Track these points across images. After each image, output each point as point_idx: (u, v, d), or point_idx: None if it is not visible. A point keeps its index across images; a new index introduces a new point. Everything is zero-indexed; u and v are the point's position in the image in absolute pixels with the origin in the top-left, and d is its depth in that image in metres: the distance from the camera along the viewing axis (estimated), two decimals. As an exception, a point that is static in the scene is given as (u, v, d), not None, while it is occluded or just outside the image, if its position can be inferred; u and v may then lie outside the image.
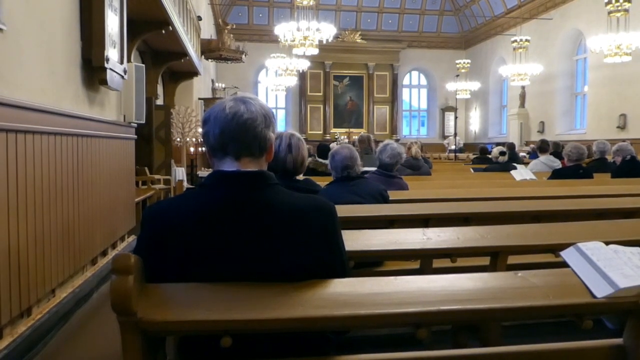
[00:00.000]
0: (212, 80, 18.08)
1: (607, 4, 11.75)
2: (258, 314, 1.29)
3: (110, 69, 4.48)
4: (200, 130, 8.37)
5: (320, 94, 22.87)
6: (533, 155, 10.39)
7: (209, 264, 1.39)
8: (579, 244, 1.57)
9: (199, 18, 11.62)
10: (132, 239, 5.82)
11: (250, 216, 1.41)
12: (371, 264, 2.95)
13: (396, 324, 1.45)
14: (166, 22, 6.92)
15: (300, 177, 3.05)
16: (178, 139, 10.42)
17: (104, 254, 4.82)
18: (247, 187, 1.43)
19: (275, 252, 1.41)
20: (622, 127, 13.84)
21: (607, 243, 1.57)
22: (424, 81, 24.83)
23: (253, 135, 1.45)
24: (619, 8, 11.63)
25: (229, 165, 1.46)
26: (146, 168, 8.61)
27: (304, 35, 12.62)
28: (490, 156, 8.71)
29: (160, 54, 9.08)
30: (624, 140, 7.66)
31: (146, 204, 7.14)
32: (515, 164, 7.36)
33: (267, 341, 1.40)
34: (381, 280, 1.46)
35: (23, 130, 3.00)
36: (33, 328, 3.11)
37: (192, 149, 11.61)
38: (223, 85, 18.18)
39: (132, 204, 6.06)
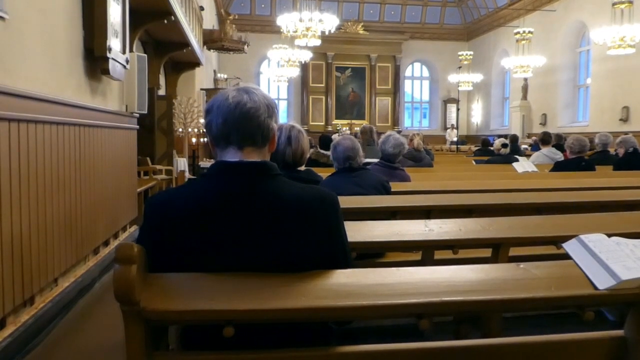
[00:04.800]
0: (214, 71, 18.03)
1: (611, -5, 11.69)
2: (261, 304, 1.29)
3: (113, 58, 4.47)
4: (202, 120, 8.37)
5: (323, 85, 22.79)
6: (535, 147, 10.37)
7: (211, 255, 1.39)
8: (581, 236, 1.57)
9: (201, 8, 11.55)
10: (134, 229, 5.83)
11: (253, 207, 1.41)
12: (373, 255, 2.95)
13: (398, 315, 1.45)
14: (168, 12, 6.89)
15: (302, 168, 3.04)
16: (180, 130, 10.41)
17: (106, 243, 4.84)
18: (250, 177, 1.43)
19: (278, 243, 1.41)
20: (625, 119, 13.78)
21: (609, 235, 1.57)
22: (426, 73, 24.72)
23: (256, 124, 1.45)
24: (623, 0, 11.55)
25: (231, 155, 1.46)
26: (148, 158, 8.62)
27: (306, 26, 12.56)
28: (492, 148, 8.70)
29: (162, 44, 9.03)
30: (626, 133, 7.64)
31: (148, 194, 7.15)
32: (517, 156, 7.33)
33: (269, 331, 1.40)
34: (383, 271, 1.46)
35: (25, 119, 3.00)
36: (36, 317, 3.13)
37: (194, 140, 11.61)
38: (225, 76, 18.12)
39: (134, 194, 6.07)
